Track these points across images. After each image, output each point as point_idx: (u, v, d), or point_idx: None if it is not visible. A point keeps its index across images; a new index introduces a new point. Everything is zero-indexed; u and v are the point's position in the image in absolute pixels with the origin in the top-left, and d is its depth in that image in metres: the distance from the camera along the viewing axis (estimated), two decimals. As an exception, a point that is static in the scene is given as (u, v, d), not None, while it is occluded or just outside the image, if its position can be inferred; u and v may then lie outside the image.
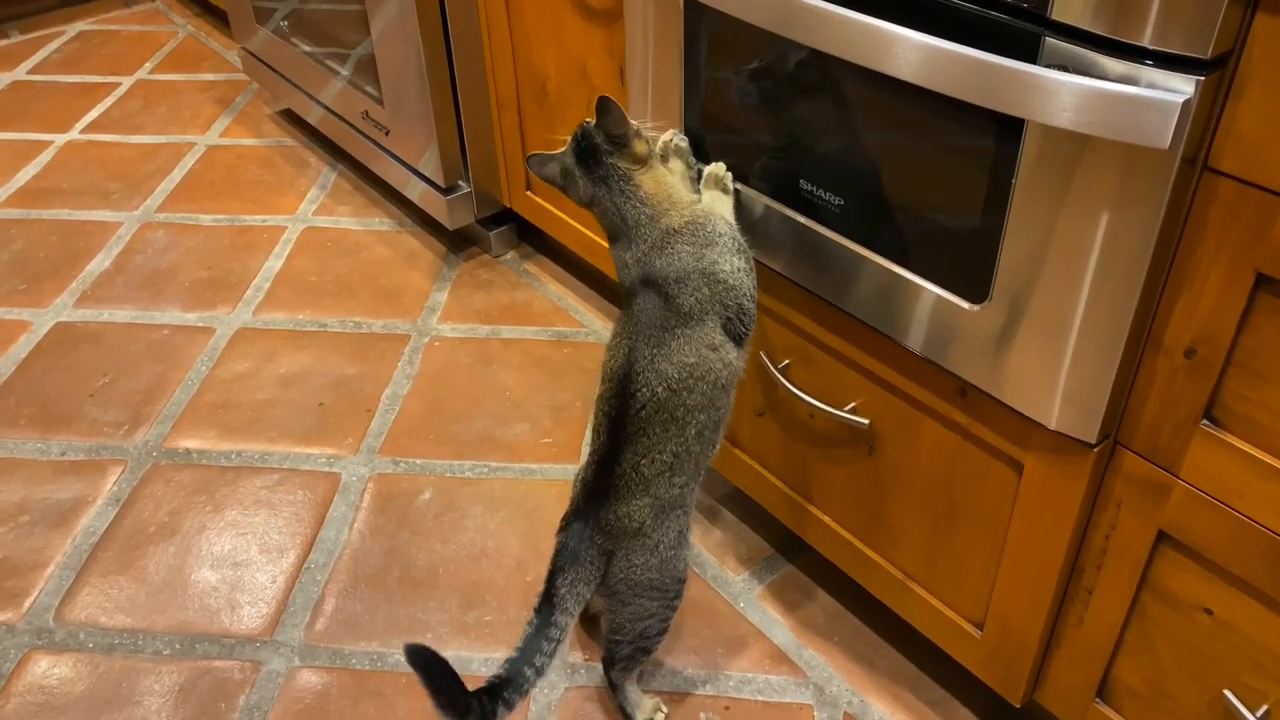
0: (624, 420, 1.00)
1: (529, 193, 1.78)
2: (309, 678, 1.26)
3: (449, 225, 1.87)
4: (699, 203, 1.04)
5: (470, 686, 0.95)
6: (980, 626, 1.10)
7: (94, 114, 2.43)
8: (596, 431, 1.04)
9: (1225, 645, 0.89)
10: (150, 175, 2.21)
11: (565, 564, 1.02)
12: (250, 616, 1.33)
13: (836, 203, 1.01)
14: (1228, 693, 0.90)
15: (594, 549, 1.02)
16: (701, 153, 1.13)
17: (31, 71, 2.62)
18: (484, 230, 1.96)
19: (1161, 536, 0.90)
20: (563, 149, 1.06)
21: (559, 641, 1.00)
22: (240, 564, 1.39)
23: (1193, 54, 0.69)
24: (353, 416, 1.62)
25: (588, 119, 1.04)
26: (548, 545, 1.10)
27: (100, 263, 1.95)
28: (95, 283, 1.90)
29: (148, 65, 2.64)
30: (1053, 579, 0.98)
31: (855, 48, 0.86)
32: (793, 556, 1.40)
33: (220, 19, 2.88)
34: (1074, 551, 0.97)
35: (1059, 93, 0.74)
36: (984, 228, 0.88)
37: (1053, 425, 0.90)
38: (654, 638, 1.12)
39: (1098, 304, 0.82)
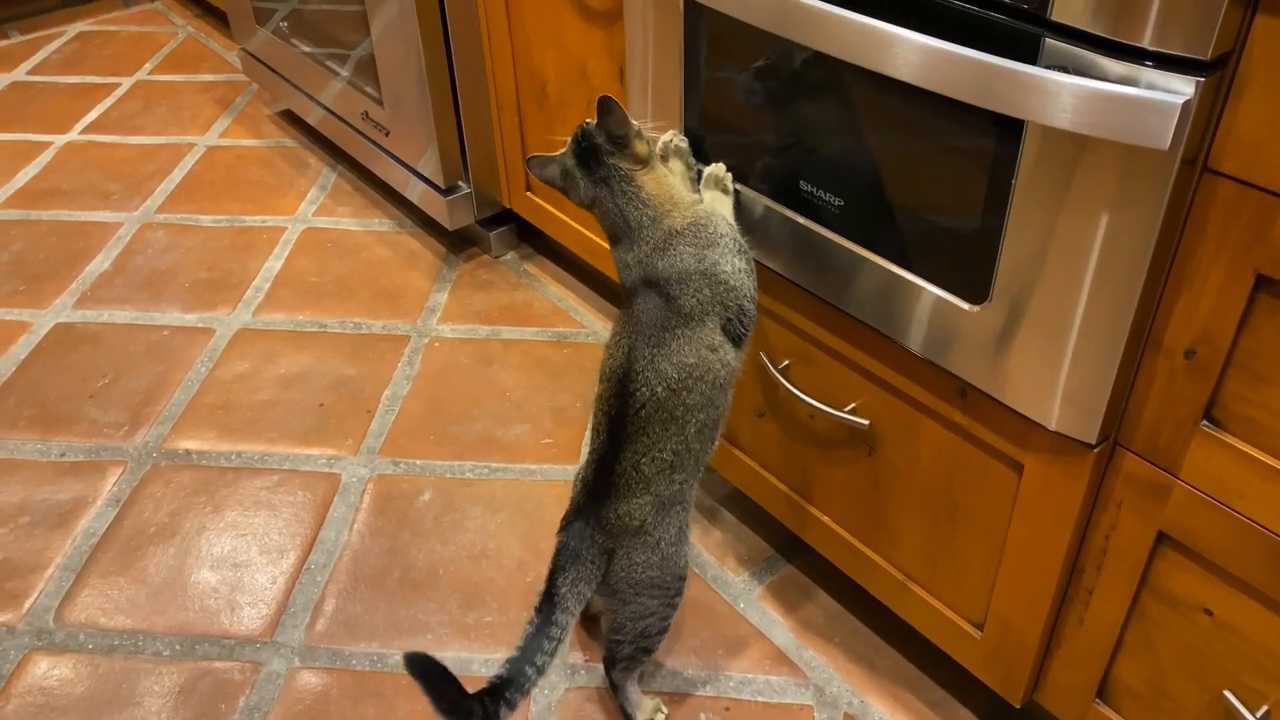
0: (624, 419, 1.00)
1: (529, 193, 1.78)
2: (309, 679, 1.26)
3: (449, 226, 1.88)
4: (700, 203, 1.04)
5: (470, 688, 0.95)
6: (980, 627, 1.10)
7: (94, 115, 2.43)
8: (596, 431, 1.04)
9: (1225, 646, 0.89)
10: (150, 176, 2.21)
11: (566, 563, 1.02)
12: (250, 617, 1.33)
13: (836, 203, 1.01)
14: (1228, 693, 0.90)
15: (595, 548, 1.02)
16: (701, 153, 1.13)
17: (31, 72, 2.62)
18: (484, 231, 1.96)
19: (1161, 537, 0.90)
20: (563, 150, 1.06)
21: (560, 641, 1.00)
22: (240, 565, 1.39)
23: (1193, 55, 0.69)
24: (353, 417, 1.62)
25: (588, 119, 1.04)
26: (548, 546, 1.10)
27: (100, 263, 1.95)
28: (95, 283, 1.90)
29: (147, 66, 2.64)
30: (1053, 580, 0.98)
31: (855, 49, 0.86)
32: (793, 557, 1.40)
33: (220, 20, 2.88)
34: (1074, 552, 0.97)
35: (1059, 94, 0.74)
36: (984, 228, 0.88)
37: (1053, 426, 0.90)
38: (655, 637, 1.12)
39: (1098, 305, 0.82)
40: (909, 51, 0.82)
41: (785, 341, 1.18)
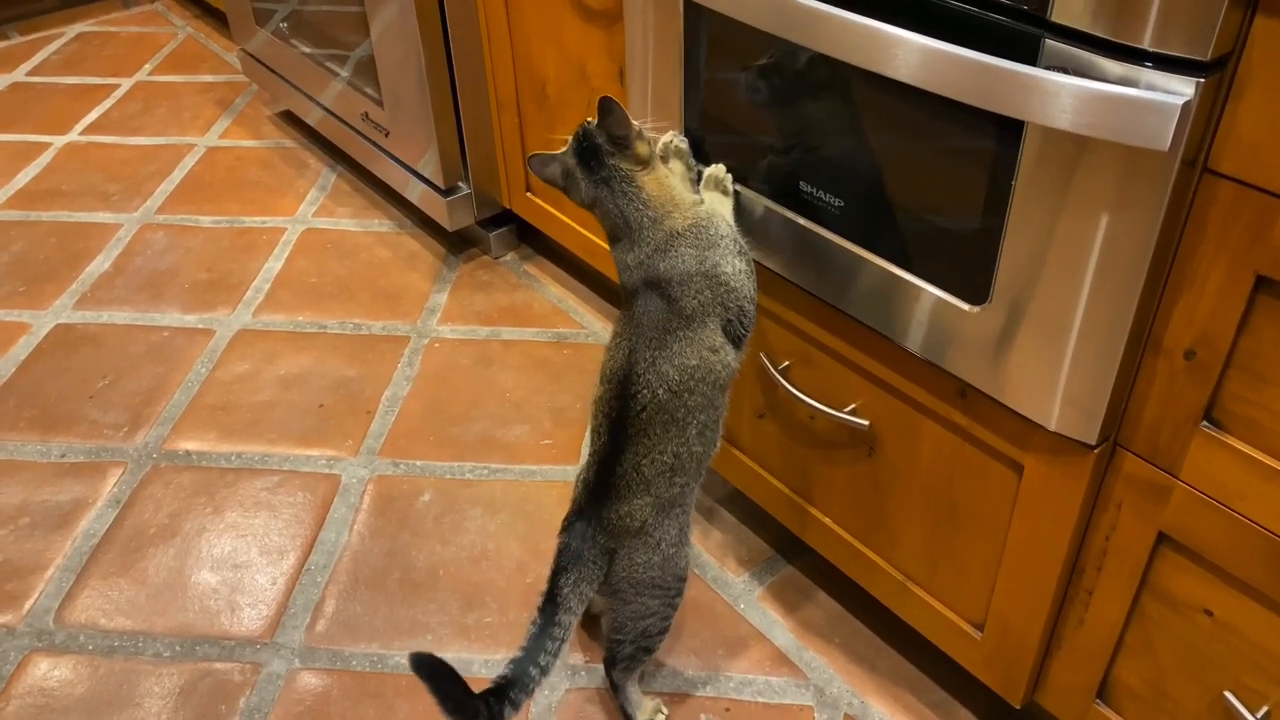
0: (625, 421, 1.00)
1: (529, 194, 1.78)
2: (309, 679, 1.26)
3: (449, 227, 1.88)
4: (701, 204, 1.04)
5: (472, 689, 0.95)
6: (980, 628, 1.10)
7: (93, 115, 2.43)
8: (596, 432, 1.04)
9: (1225, 647, 0.89)
10: (150, 177, 2.21)
11: (568, 564, 1.02)
12: (250, 618, 1.33)
13: (836, 204, 1.01)
14: (1228, 694, 0.90)
15: (596, 548, 1.02)
16: (701, 154, 1.13)
17: (31, 73, 2.62)
18: (484, 231, 1.96)
19: (1162, 538, 0.90)
20: (563, 149, 1.06)
21: (563, 641, 1.00)
22: (240, 566, 1.39)
23: (1192, 56, 0.69)
24: (353, 418, 1.62)
25: (588, 119, 1.04)
26: (548, 547, 1.10)
27: (100, 264, 1.95)
28: (95, 284, 1.90)
29: (147, 67, 2.64)
30: (1053, 580, 0.98)
31: (855, 50, 0.86)
32: (793, 558, 1.40)
33: (220, 20, 2.88)
34: (1074, 553, 0.97)
35: (1059, 94, 0.74)
36: (984, 229, 0.88)
37: (1053, 426, 0.90)
38: (655, 637, 1.12)
39: (1098, 305, 0.82)
40: (909, 52, 0.82)
41: (785, 342, 1.18)
